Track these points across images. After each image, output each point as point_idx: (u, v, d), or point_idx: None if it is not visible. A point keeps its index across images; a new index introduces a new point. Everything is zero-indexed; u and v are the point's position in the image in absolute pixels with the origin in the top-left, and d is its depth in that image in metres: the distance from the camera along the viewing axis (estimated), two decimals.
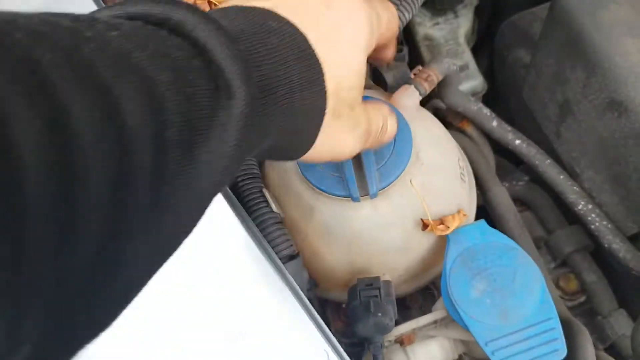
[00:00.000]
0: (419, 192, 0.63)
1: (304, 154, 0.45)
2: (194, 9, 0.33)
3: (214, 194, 0.35)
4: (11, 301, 0.21)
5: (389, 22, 0.53)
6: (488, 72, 1.05)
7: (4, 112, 0.21)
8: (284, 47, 0.39)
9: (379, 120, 0.52)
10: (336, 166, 0.61)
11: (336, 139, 0.46)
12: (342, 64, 0.43)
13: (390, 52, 0.61)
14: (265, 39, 0.38)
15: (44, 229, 0.22)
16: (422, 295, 0.80)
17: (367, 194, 0.60)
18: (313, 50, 0.41)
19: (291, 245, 0.64)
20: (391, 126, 0.54)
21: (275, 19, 0.40)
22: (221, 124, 0.32)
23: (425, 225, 0.63)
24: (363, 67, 0.46)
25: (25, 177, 0.21)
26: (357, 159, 0.60)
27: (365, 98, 0.52)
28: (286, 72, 0.38)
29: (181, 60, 0.31)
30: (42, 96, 0.22)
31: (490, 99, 1.04)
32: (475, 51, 1.10)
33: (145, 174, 0.27)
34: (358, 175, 0.60)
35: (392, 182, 0.60)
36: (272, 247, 0.62)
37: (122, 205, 0.26)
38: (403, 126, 0.62)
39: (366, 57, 0.47)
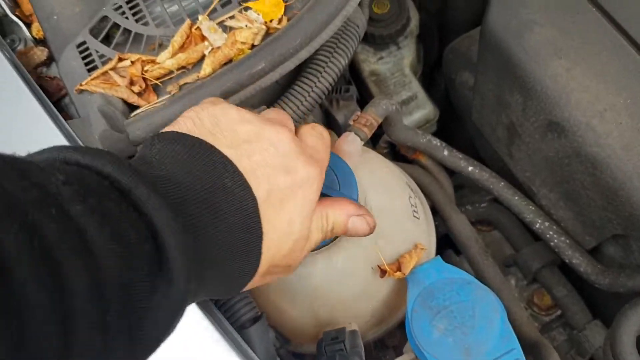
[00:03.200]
0: (378, 251, 0.64)
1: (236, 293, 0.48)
2: (152, 186, 0.36)
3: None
4: None
5: (327, 159, 0.54)
6: (446, 97, 1.07)
7: None
8: (233, 212, 0.41)
9: (325, 224, 0.52)
10: None
11: (267, 281, 0.50)
12: (282, 234, 0.45)
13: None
14: (217, 204, 0.40)
15: None
16: (401, 333, 0.81)
17: None
18: (259, 219, 0.43)
19: (254, 307, 0.64)
20: (358, 224, 0.55)
21: (232, 176, 0.42)
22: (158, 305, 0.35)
23: (383, 272, 0.64)
24: (305, 233, 0.48)
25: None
26: None
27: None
28: (229, 239, 0.41)
29: (134, 244, 0.34)
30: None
31: (450, 120, 1.05)
32: (431, 77, 1.12)
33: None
34: None
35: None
36: (234, 313, 0.62)
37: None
38: (348, 174, 0.63)
39: (309, 223, 0.49)
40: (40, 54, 0.83)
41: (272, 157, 0.45)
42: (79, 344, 0.29)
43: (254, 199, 0.42)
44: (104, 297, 0.31)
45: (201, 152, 0.42)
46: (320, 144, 0.52)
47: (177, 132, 0.43)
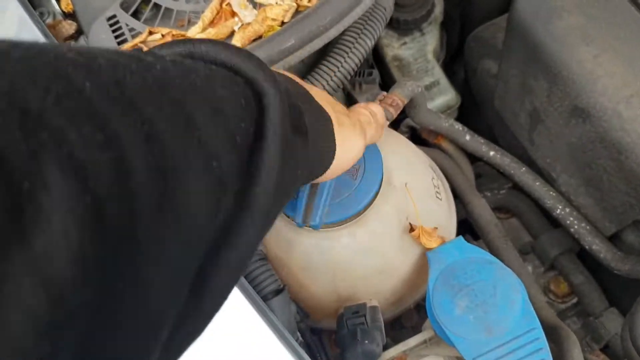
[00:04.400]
0: (410, 194, 0.65)
1: (329, 165, 0.49)
2: (211, 42, 0.37)
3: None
4: None
5: (374, 137, 0.59)
6: (465, 83, 1.07)
7: (113, 129, 0.23)
8: (318, 108, 0.47)
9: (365, 114, 0.57)
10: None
11: (346, 142, 0.51)
12: (343, 151, 0.50)
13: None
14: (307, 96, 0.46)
15: (154, 226, 0.25)
16: (417, 312, 0.82)
17: (308, 224, 0.61)
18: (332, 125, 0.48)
19: (276, 280, 0.65)
20: (375, 110, 0.60)
21: (315, 102, 0.47)
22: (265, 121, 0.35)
23: (412, 229, 0.64)
24: (349, 162, 0.53)
25: (137, 186, 0.24)
26: (313, 189, 0.61)
27: None
28: (296, 90, 0.44)
29: (226, 78, 0.35)
30: (134, 114, 0.25)
31: (469, 109, 1.05)
32: (452, 64, 1.12)
33: (231, 175, 0.31)
34: (307, 204, 0.60)
35: (363, 207, 0.61)
36: (258, 284, 0.63)
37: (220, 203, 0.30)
38: (374, 152, 0.63)
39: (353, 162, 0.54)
40: (69, 27, 0.84)
41: (337, 105, 0.52)
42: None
43: (329, 116, 0.48)
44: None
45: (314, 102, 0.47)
46: (371, 125, 0.58)
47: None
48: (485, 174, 0.99)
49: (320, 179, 0.51)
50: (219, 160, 0.29)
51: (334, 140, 0.48)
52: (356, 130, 0.53)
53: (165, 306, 0.27)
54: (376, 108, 0.61)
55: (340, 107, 0.53)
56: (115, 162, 0.23)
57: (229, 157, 0.31)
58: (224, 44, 0.37)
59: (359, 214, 0.62)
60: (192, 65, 0.33)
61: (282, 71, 0.46)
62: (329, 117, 0.48)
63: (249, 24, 0.68)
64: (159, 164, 0.25)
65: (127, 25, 0.73)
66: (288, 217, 0.62)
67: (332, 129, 0.48)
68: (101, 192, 0.21)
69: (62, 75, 0.23)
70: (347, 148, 0.51)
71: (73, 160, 0.20)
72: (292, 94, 0.41)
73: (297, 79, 0.47)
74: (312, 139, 0.43)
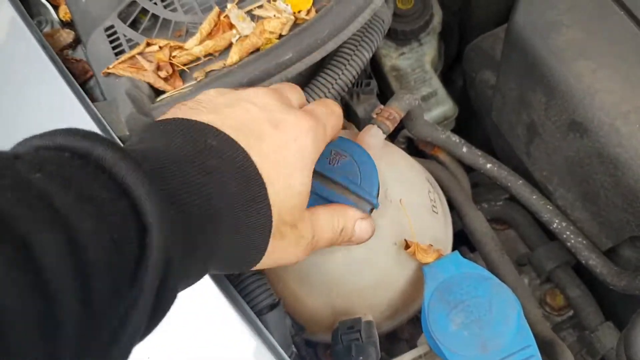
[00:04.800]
0: (405, 209, 0.64)
1: (251, 267, 0.46)
2: (113, 145, 0.33)
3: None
4: None
5: (334, 127, 0.53)
6: (463, 92, 1.07)
7: None
8: (224, 167, 0.40)
9: (336, 224, 0.52)
10: None
11: (280, 253, 0.46)
12: (283, 186, 0.44)
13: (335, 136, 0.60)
14: (205, 162, 0.39)
15: None
16: (412, 326, 0.81)
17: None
18: (255, 168, 0.42)
19: (272, 294, 0.65)
20: (364, 228, 0.55)
21: (216, 135, 0.41)
22: (143, 267, 0.31)
23: (407, 246, 0.64)
24: (306, 187, 0.47)
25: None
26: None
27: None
28: (227, 195, 0.39)
29: (106, 203, 0.31)
30: None
31: (467, 120, 1.05)
32: (450, 75, 1.12)
33: (74, 326, 0.27)
34: None
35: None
36: (252, 299, 0.63)
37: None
38: (370, 167, 0.63)
39: (311, 174, 0.47)
40: (67, 36, 0.84)
41: (257, 114, 0.45)
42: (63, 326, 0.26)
43: (245, 153, 0.41)
44: (86, 262, 0.28)
45: (181, 125, 0.41)
46: (321, 106, 0.52)
47: (155, 121, 0.43)
48: (483, 183, 0.99)
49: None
50: (60, 316, 0.26)
51: (259, 255, 0.44)
52: (298, 247, 0.48)
53: None
54: (366, 223, 0.55)
55: (292, 215, 0.46)
56: None
57: (72, 312, 0.27)
58: (125, 159, 0.32)
59: None
60: (66, 182, 0.29)
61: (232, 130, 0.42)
62: (269, 222, 0.43)
63: (246, 36, 0.68)
64: None
65: (124, 36, 0.73)
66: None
67: (267, 236, 0.43)
68: None
69: None
70: (276, 259, 0.46)
71: None
72: (198, 220, 0.36)
73: (273, 155, 0.43)
74: (221, 259, 0.40)
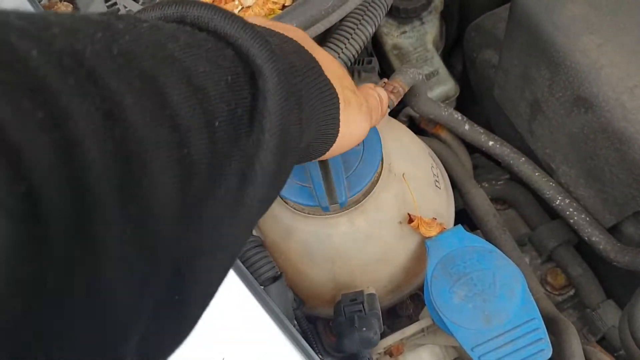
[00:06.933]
0: (408, 184, 0.64)
1: (333, 143, 0.46)
2: (206, 6, 0.32)
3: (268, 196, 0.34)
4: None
5: (378, 119, 0.56)
6: (463, 74, 1.06)
7: (62, 106, 0.19)
8: (319, 78, 0.41)
9: (375, 97, 0.55)
10: (307, 177, 0.61)
11: (351, 122, 0.47)
12: (345, 132, 0.46)
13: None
14: (306, 68, 0.40)
15: (115, 224, 0.21)
16: (413, 302, 0.81)
17: (336, 203, 0.59)
18: (337, 96, 0.43)
19: (273, 267, 0.64)
20: (382, 96, 0.57)
21: (319, 68, 0.41)
22: (261, 109, 0.31)
23: (411, 220, 0.64)
24: (353, 142, 0.49)
25: (90, 174, 0.20)
26: (325, 169, 0.60)
27: None
28: (302, 63, 0.39)
29: (213, 50, 0.30)
30: (93, 88, 0.21)
31: (467, 100, 1.05)
32: (450, 54, 1.11)
33: (203, 166, 0.27)
34: (327, 185, 0.59)
35: (361, 190, 0.60)
36: (255, 270, 0.63)
37: (191, 198, 0.26)
38: (374, 139, 0.62)
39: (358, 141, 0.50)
40: (65, 9, 0.83)
41: (345, 79, 0.47)
42: (194, 153, 0.26)
43: (336, 94, 0.43)
44: (207, 99, 0.28)
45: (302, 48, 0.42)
46: (374, 101, 0.55)
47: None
48: (483, 165, 0.99)
49: (321, 158, 0.49)
50: (189, 148, 0.26)
51: (338, 120, 0.45)
52: (362, 112, 0.49)
53: (129, 318, 0.23)
54: (383, 93, 0.58)
55: (349, 81, 0.49)
56: (60, 144, 0.19)
57: (201, 145, 0.27)
58: (219, 10, 0.32)
59: (357, 201, 0.62)
60: (173, 33, 0.29)
61: (289, 29, 0.42)
62: (336, 94, 0.44)
63: (249, 7, 0.67)
64: (121, 149, 0.21)
65: (125, 7, 0.72)
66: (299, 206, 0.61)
67: (338, 108, 0.44)
68: (40, 181, 0.17)
69: (2, 43, 0.19)
70: (352, 130, 0.48)
71: (4, 142, 0.17)
72: (295, 69, 0.37)
73: (305, 40, 0.43)
74: (313, 121, 0.40)
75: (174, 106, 0.25)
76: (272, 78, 0.31)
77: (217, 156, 0.28)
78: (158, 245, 0.24)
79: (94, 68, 0.22)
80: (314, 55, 0.42)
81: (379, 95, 0.56)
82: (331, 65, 0.44)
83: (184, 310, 0.28)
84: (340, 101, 0.44)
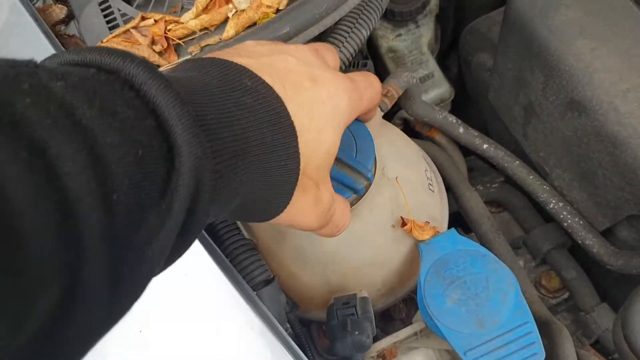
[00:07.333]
0: (401, 188, 0.64)
1: (272, 218, 0.44)
2: (145, 63, 0.31)
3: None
4: None
5: (371, 100, 0.52)
6: (458, 77, 1.07)
7: None
8: (258, 107, 0.38)
9: (341, 213, 0.51)
10: None
11: (298, 211, 0.44)
12: (313, 140, 0.43)
13: (370, 115, 0.60)
14: (239, 98, 0.37)
15: None
16: (406, 305, 0.81)
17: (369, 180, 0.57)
18: (289, 115, 0.40)
19: (266, 270, 0.64)
20: (375, 83, 0.54)
21: (251, 77, 0.39)
22: (172, 187, 0.30)
23: (404, 223, 0.64)
24: (334, 148, 0.45)
25: None
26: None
27: None
28: (259, 132, 0.37)
29: (131, 120, 0.29)
30: None
31: (462, 103, 1.05)
32: (445, 57, 1.12)
33: (95, 237, 0.25)
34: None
35: (351, 194, 0.58)
36: (247, 274, 0.63)
37: (75, 279, 0.25)
38: (367, 141, 0.61)
39: (340, 136, 0.46)
40: (59, 11, 0.83)
41: (295, 66, 0.44)
42: (83, 226, 0.25)
43: (280, 100, 0.40)
44: (107, 173, 0.26)
45: (216, 62, 0.39)
46: (361, 75, 0.51)
47: (187, 58, 0.41)
48: (477, 168, 0.99)
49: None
50: (76, 220, 0.24)
51: (281, 211, 0.42)
52: (316, 210, 0.46)
53: None
54: (376, 81, 0.54)
55: (318, 173, 0.45)
56: None
57: (93, 218, 0.25)
58: (158, 77, 0.31)
59: (350, 204, 0.62)
60: (93, 95, 0.28)
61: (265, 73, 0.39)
62: (290, 194, 0.41)
63: (243, 10, 0.67)
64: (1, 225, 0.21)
65: (119, 10, 0.72)
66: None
67: (294, 183, 0.41)
68: None
69: None
70: (293, 216, 0.44)
71: None
72: (237, 151, 0.35)
73: (292, 88, 0.41)
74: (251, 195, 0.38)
75: (63, 178, 0.24)
76: (188, 162, 0.30)
77: (115, 227, 0.26)
78: None
79: None
80: (295, 125, 0.40)
81: (370, 82, 0.52)
82: (309, 148, 0.42)
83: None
84: (296, 185, 0.42)
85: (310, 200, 0.45)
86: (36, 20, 0.73)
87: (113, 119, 0.28)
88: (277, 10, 0.67)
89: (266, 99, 0.39)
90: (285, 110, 0.40)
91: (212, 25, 0.69)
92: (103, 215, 0.25)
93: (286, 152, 0.40)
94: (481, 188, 0.90)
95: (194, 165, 0.30)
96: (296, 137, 0.40)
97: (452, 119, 0.80)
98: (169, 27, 0.69)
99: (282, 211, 0.43)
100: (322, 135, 0.43)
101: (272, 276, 0.64)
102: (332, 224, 0.50)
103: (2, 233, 0.21)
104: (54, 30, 0.82)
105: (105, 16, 0.72)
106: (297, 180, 0.41)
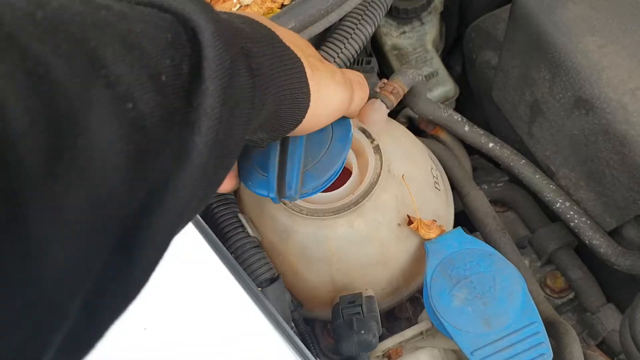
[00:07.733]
0: (407, 186, 0.63)
1: (305, 112, 0.44)
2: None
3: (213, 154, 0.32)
4: None
5: (360, 98, 0.53)
6: (462, 75, 1.06)
7: None
8: (282, 51, 0.41)
9: (355, 73, 0.53)
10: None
11: (323, 88, 0.45)
12: (319, 101, 0.45)
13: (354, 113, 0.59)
14: (260, 30, 0.40)
15: (41, 186, 0.20)
16: (412, 304, 0.80)
17: (285, 196, 0.52)
18: (304, 69, 0.43)
19: (271, 268, 0.64)
20: (365, 85, 0.55)
21: (267, 28, 0.41)
22: (202, 59, 0.31)
23: (410, 221, 0.63)
24: (329, 118, 0.49)
25: (14, 131, 0.19)
26: (283, 157, 0.53)
27: None
28: (252, 29, 0.39)
29: (149, 15, 0.30)
30: (13, 50, 0.21)
31: (467, 101, 1.04)
32: (449, 55, 1.11)
33: (154, 118, 0.27)
34: (280, 175, 0.52)
35: (318, 184, 0.53)
36: (252, 272, 0.62)
37: (137, 152, 0.25)
38: (345, 129, 0.55)
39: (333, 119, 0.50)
40: None
41: (309, 48, 0.47)
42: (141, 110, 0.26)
43: (298, 58, 0.42)
44: (146, 56, 0.27)
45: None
46: (353, 73, 0.54)
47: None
48: (482, 167, 0.98)
49: (295, 133, 0.46)
50: (135, 102, 0.26)
51: (307, 84, 0.42)
52: (336, 80, 0.47)
53: (71, 277, 0.23)
54: (362, 77, 0.55)
55: (314, 52, 0.47)
56: None
57: (150, 97, 0.27)
58: None
59: (355, 202, 0.61)
60: (105, 2, 0.28)
61: (242, 14, 0.41)
62: (297, 58, 0.42)
63: (247, 5, 0.67)
64: (49, 107, 0.21)
65: None
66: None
67: (302, 72, 0.42)
68: None
69: None
70: (325, 96, 0.45)
71: None
72: (243, 33, 0.37)
73: (264, 20, 0.42)
74: (273, 83, 0.38)
75: (109, 65, 0.25)
76: (208, 27, 0.31)
77: (168, 109, 0.28)
78: (101, 202, 0.23)
79: (14, 31, 0.22)
80: (271, 28, 0.41)
81: (362, 79, 0.54)
82: (292, 37, 0.44)
83: (129, 274, 0.27)
84: (305, 66, 0.42)
85: (325, 72, 0.46)
86: None
87: (133, 13, 0.29)
88: (282, 6, 0.66)
89: (288, 51, 0.42)
90: (302, 65, 0.43)
91: None
92: (155, 95, 0.27)
93: (280, 46, 0.41)
94: (486, 187, 0.90)
95: (215, 30, 0.31)
96: (307, 79, 0.43)
97: (457, 117, 0.79)
98: None
99: (308, 99, 0.43)
100: (327, 103, 0.47)
101: (277, 274, 0.63)
102: (357, 86, 0.52)
103: (57, 115, 0.21)
104: None
105: None
106: (302, 63, 0.43)
